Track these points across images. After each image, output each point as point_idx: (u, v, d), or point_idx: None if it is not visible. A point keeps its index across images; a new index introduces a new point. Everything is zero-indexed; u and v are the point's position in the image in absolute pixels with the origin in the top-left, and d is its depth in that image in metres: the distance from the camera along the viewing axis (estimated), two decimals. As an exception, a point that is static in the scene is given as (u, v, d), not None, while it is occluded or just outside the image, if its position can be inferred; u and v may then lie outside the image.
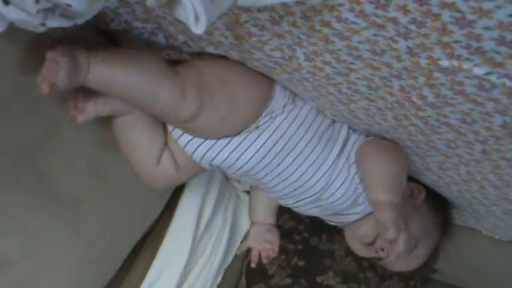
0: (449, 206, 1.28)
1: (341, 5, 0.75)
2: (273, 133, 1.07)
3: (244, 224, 1.53)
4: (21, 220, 0.99)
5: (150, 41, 1.04)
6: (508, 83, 0.75)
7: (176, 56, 1.09)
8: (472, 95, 0.81)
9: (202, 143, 1.08)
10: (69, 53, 0.92)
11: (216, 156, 1.09)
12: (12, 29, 0.71)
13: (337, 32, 0.81)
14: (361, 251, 1.20)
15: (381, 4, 0.72)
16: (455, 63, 0.76)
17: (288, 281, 1.53)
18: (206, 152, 1.08)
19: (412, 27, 0.73)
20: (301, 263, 1.52)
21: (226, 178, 1.51)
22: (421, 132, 0.97)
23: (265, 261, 1.26)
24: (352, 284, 1.53)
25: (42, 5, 0.67)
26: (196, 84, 1.01)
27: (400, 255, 1.05)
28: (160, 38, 1.03)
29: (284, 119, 1.08)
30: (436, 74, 0.80)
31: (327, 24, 0.80)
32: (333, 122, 1.13)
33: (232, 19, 0.89)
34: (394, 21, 0.74)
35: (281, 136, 1.07)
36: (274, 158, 1.08)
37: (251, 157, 1.08)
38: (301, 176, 1.10)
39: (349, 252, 1.48)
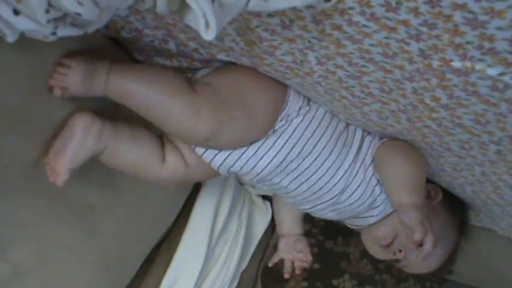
0: (465, 206, 1.27)
1: (352, 8, 0.75)
2: (290, 137, 1.07)
3: (258, 228, 1.53)
4: (36, 229, 1.00)
5: (161, 48, 1.05)
6: (522, 83, 0.74)
7: (187, 64, 1.09)
8: (486, 95, 0.80)
9: (219, 151, 1.08)
10: (84, 61, 0.94)
11: (235, 163, 1.09)
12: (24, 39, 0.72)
13: (348, 35, 0.81)
14: (378, 253, 1.19)
15: (392, 7, 0.72)
16: (468, 64, 0.75)
17: (304, 284, 1.53)
18: (224, 160, 1.08)
19: (424, 29, 0.73)
20: (316, 266, 1.51)
21: (240, 183, 1.51)
22: (434, 133, 0.97)
23: (298, 272, 1.27)
24: (368, 286, 1.53)
25: (52, 15, 0.67)
26: (213, 100, 1.00)
27: (427, 256, 1.04)
28: (171, 45, 1.03)
29: (300, 122, 1.08)
30: (448, 76, 0.79)
31: (338, 27, 0.80)
32: (348, 124, 1.13)
33: (242, 24, 0.89)
34: (406, 23, 0.74)
35: (298, 139, 1.07)
36: (291, 161, 1.08)
37: (269, 162, 1.08)
38: (319, 179, 1.09)
39: (364, 254, 1.48)
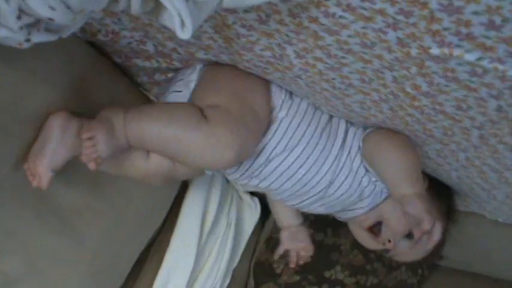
0: (451, 192, 1.27)
1: (327, -1, 0.75)
2: (275, 131, 1.07)
3: (248, 225, 1.53)
4: (24, 238, 0.99)
5: (139, 49, 1.04)
6: (500, 67, 0.74)
7: (166, 64, 1.08)
8: (465, 81, 0.80)
9: None
10: (103, 124, 0.94)
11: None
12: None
13: (326, 27, 0.81)
14: (367, 241, 1.20)
15: (367, -4, 0.72)
16: (446, 50, 0.75)
17: (296, 278, 1.53)
18: None
19: (400, 17, 0.73)
20: (308, 259, 1.52)
21: (227, 180, 1.51)
22: (417, 121, 0.97)
23: (301, 262, 1.28)
24: (360, 276, 1.53)
25: (25, 21, 0.66)
26: (229, 124, 0.98)
27: (436, 243, 1.05)
28: (149, 46, 1.03)
29: (285, 116, 1.08)
30: (427, 63, 0.79)
31: (315, 20, 0.80)
32: (331, 117, 1.13)
33: (219, 21, 0.88)
34: (382, 12, 0.73)
35: (284, 134, 1.07)
36: (278, 155, 1.07)
37: (257, 156, 1.07)
38: (305, 174, 1.09)
39: (355, 245, 1.48)
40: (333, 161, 1.09)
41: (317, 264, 1.51)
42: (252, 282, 1.57)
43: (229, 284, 1.47)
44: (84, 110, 1.01)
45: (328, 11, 0.77)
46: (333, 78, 0.94)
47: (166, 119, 0.97)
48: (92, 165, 0.92)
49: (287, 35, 0.86)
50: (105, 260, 1.14)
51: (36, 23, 0.69)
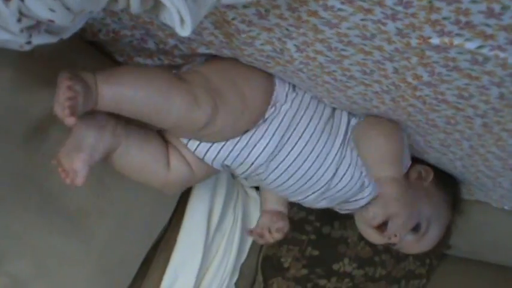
0: (456, 182, 1.27)
1: (326, -8, 0.75)
2: (280, 124, 1.07)
3: (254, 220, 1.52)
4: (31, 240, 1.00)
5: (140, 47, 1.04)
6: (501, 54, 0.74)
7: (168, 61, 1.08)
8: (466, 69, 0.80)
9: (212, 144, 1.07)
10: (78, 77, 0.88)
11: (228, 155, 1.08)
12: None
13: (325, 20, 0.81)
14: (373, 237, 1.19)
15: (366, -12, 0.72)
16: (446, 39, 0.75)
17: (305, 271, 1.53)
18: (218, 153, 1.07)
19: (399, 8, 0.73)
20: (315, 253, 1.52)
21: (233, 176, 1.51)
22: (420, 111, 0.97)
23: (264, 238, 1.21)
24: (368, 268, 1.53)
25: (25, 23, 0.67)
26: (206, 87, 0.99)
27: (390, 235, 1.07)
28: (150, 44, 1.03)
29: (289, 108, 1.08)
30: (428, 53, 0.79)
31: (314, 13, 0.80)
32: (334, 110, 1.13)
33: (219, 17, 0.88)
34: (381, 3, 0.73)
35: (288, 126, 1.07)
36: (283, 148, 1.07)
37: (262, 151, 1.07)
38: (309, 168, 1.09)
39: (362, 237, 1.48)
40: (336, 154, 1.09)
41: (325, 257, 1.51)
42: (260, 277, 1.57)
43: (237, 280, 1.48)
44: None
45: (327, 4, 0.77)
46: (334, 71, 0.94)
47: (142, 78, 0.95)
48: (71, 120, 0.84)
49: (287, 29, 0.87)
50: (112, 259, 1.15)
51: (37, 25, 0.69)
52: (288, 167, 1.09)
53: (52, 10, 0.66)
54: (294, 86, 1.09)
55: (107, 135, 0.96)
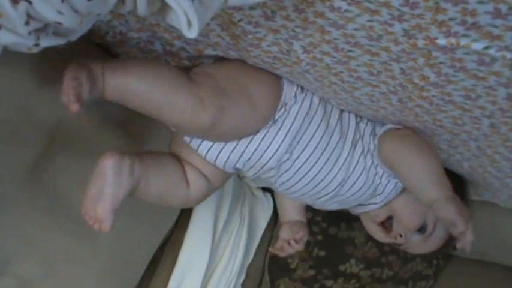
0: (464, 183, 1.27)
1: (332, -6, 0.75)
2: (291, 125, 1.06)
3: (261, 220, 1.53)
4: (38, 241, 1.00)
5: (147, 49, 1.04)
6: (508, 55, 0.74)
7: (175, 63, 1.09)
8: (473, 70, 0.80)
9: (223, 148, 1.07)
10: (85, 67, 0.90)
11: (239, 158, 1.08)
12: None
13: (332, 21, 0.81)
14: (380, 236, 1.20)
15: (372, -11, 0.72)
16: (453, 40, 0.75)
17: (311, 272, 1.53)
18: (229, 156, 1.07)
19: (406, 9, 0.73)
20: (322, 253, 1.52)
21: (240, 177, 1.51)
22: (427, 112, 0.97)
23: (282, 253, 1.22)
24: (375, 268, 1.53)
25: (33, 26, 0.67)
26: (213, 89, 0.99)
27: (469, 243, 1.01)
28: (157, 46, 1.03)
29: (299, 110, 1.07)
30: (435, 54, 0.79)
31: (320, 14, 0.80)
32: (341, 112, 1.13)
33: (225, 19, 0.89)
34: (387, 5, 0.73)
35: (300, 126, 1.07)
36: (294, 150, 1.07)
37: (275, 152, 1.07)
38: (319, 171, 1.09)
39: (369, 238, 1.48)
40: (346, 159, 1.09)
41: (332, 258, 1.51)
42: (267, 278, 1.57)
43: (244, 281, 1.48)
44: (93, 111, 1.02)
45: (334, 5, 0.77)
46: (341, 72, 0.94)
47: (150, 74, 0.95)
48: (75, 107, 0.86)
49: (293, 31, 0.87)
50: (120, 260, 1.15)
51: (44, 28, 0.69)
52: (299, 169, 1.09)
53: (60, 12, 0.66)
54: (302, 87, 1.09)
55: (125, 180, 0.95)
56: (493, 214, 1.35)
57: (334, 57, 0.90)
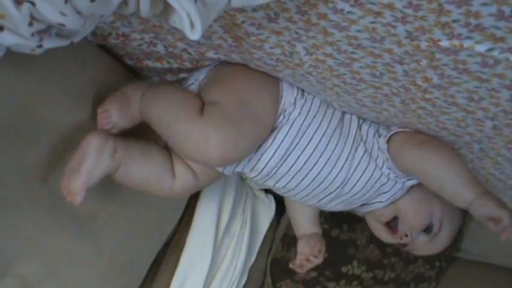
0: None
1: (335, -5, 0.75)
2: (288, 131, 1.07)
3: (263, 222, 1.53)
4: (40, 242, 1.00)
5: (150, 51, 1.04)
6: (511, 57, 0.74)
7: (177, 65, 1.09)
8: (477, 72, 0.80)
9: None
10: (117, 98, 1.04)
11: (238, 163, 1.09)
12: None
13: (334, 23, 0.81)
14: (385, 236, 1.19)
15: (375, -9, 0.72)
16: (456, 42, 0.75)
17: (313, 274, 1.53)
18: None
19: (409, 11, 0.73)
20: (324, 255, 1.51)
21: (242, 178, 1.51)
22: (429, 114, 0.97)
23: (301, 269, 1.25)
24: (377, 270, 1.53)
25: (36, 27, 0.67)
26: (224, 123, 0.99)
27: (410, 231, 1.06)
28: (160, 48, 1.03)
29: (298, 115, 1.08)
30: (438, 55, 0.79)
31: (323, 16, 0.80)
32: (343, 114, 1.13)
33: (228, 21, 0.89)
34: (390, 7, 0.73)
35: (297, 133, 1.07)
36: (291, 153, 1.07)
37: (271, 157, 1.08)
38: (319, 172, 1.09)
39: (371, 239, 1.48)
40: (346, 159, 1.09)
41: (334, 260, 1.51)
42: (269, 279, 1.57)
43: (246, 282, 1.48)
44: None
45: (337, 7, 0.77)
46: (344, 74, 0.94)
47: (167, 105, 1.02)
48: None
49: (296, 32, 0.87)
50: (122, 261, 1.15)
51: (48, 29, 0.70)
52: (298, 172, 1.09)
53: (63, 14, 0.66)
54: (302, 92, 1.09)
55: (105, 159, 1.00)
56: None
57: (337, 59, 0.90)
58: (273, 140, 1.07)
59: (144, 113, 1.04)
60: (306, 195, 1.14)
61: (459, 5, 0.69)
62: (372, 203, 1.16)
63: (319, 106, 1.10)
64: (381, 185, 1.11)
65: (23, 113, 0.92)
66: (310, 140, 1.07)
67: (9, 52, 0.72)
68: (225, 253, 1.41)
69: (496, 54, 0.75)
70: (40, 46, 0.71)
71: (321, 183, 1.10)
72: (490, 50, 0.74)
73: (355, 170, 1.10)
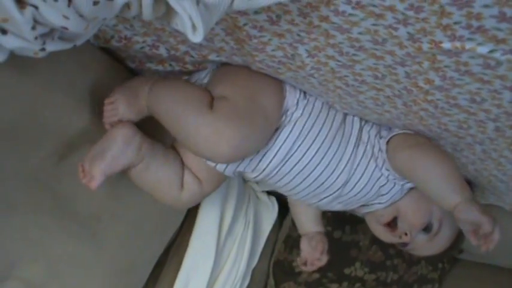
0: (471, 186, 1.26)
1: (337, -2, 0.75)
2: (291, 130, 1.07)
3: (266, 224, 1.53)
4: (44, 244, 1.00)
5: (152, 54, 1.05)
6: (513, 58, 0.74)
7: (179, 67, 1.09)
8: (479, 74, 0.80)
9: None
10: (125, 91, 1.04)
11: (239, 164, 1.09)
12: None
13: (336, 25, 0.81)
14: (384, 235, 1.19)
15: (377, -7, 0.72)
16: (458, 44, 0.75)
17: (316, 276, 1.53)
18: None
19: (410, 13, 0.73)
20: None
21: (244, 180, 1.51)
22: (431, 116, 0.97)
23: (306, 268, 1.25)
24: (380, 272, 1.53)
25: (40, 31, 0.67)
26: (234, 118, 0.99)
27: (497, 242, 1.00)
28: (162, 50, 1.03)
29: (300, 116, 1.08)
30: (440, 57, 0.79)
31: (325, 18, 0.80)
32: (345, 116, 1.13)
33: (230, 23, 0.89)
34: (392, 9, 0.74)
35: (299, 133, 1.07)
36: (294, 154, 1.08)
37: (273, 158, 1.08)
38: (321, 173, 1.09)
39: (374, 241, 1.48)
40: (348, 160, 1.09)
41: (336, 262, 1.51)
42: (271, 281, 1.57)
43: (248, 284, 1.48)
44: (99, 116, 1.03)
45: (338, 9, 0.77)
46: (346, 76, 0.94)
47: (176, 100, 1.02)
48: (107, 126, 1.02)
49: (298, 35, 0.87)
50: (125, 263, 1.15)
51: (51, 32, 0.70)
52: (299, 172, 1.09)
53: (66, 17, 0.66)
54: (305, 93, 1.10)
55: (131, 151, 1.02)
56: (498, 218, 1.34)
57: (339, 61, 0.90)
58: (275, 140, 1.07)
59: (153, 107, 1.03)
60: (307, 195, 1.14)
61: (460, 7, 0.69)
62: (372, 204, 1.16)
63: (322, 107, 1.10)
64: (381, 186, 1.11)
65: (26, 116, 0.93)
66: (312, 142, 1.07)
67: (12, 55, 0.72)
68: (228, 255, 1.41)
69: (498, 56, 0.75)
70: (43, 49, 0.71)
71: (322, 184, 1.10)
72: (492, 51, 0.74)
73: (355, 170, 1.10)
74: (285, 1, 0.74)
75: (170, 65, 1.09)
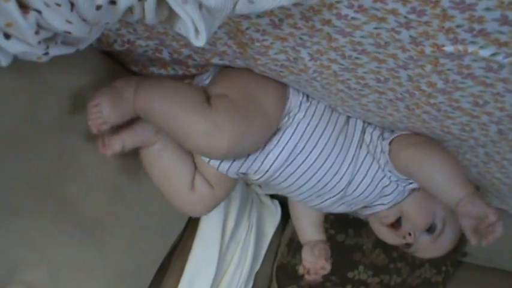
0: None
1: (339, 1, 0.75)
2: (293, 133, 1.07)
3: (269, 227, 1.53)
4: (46, 248, 1.00)
5: (155, 58, 1.05)
6: (516, 61, 0.74)
7: (182, 71, 1.09)
8: (481, 77, 0.80)
9: None
10: (109, 93, 1.00)
11: (242, 164, 1.09)
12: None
13: (339, 29, 0.81)
14: (388, 236, 1.19)
15: (379, -3, 0.72)
16: (460, 47, 0.75)
17: (320, 279, 1.53)
18: (232, 163, 1.09)
19: (413, 16, 0.73)
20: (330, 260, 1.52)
21: (247, 184, 1.51)
22: (434, 119, 0.97)
23: (309, 277, 1.25)
24: (383, 275, 1.53)
25: (43, 35, 0.68)
26: (232, 114, 0.99)
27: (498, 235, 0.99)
28: (165, 54, 1.03)
29: (303, 118, 1.08)
30: (442, 60, 0.79)
31: (328, 22, 0.80)
32: (348, 118, 1.13)
33: (233, 27, 0.89)
34: (394, 12, 0.74)
35: (302, 135, 1.07)
36: (296, 158, 1.08)
37: (275, 159, 1.08)
38: (324, 174, 1.09)
39: (377, 244, 1.48)
40: (351, 162, 1.09)
41: (340, 265, 1.51)
42: (275, 285, 1.57)
43: (251, 288, 1.48)
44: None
45: (341, 13, 0.77)
46: (348, 79, 0.94)
47: (171, 97, 1.01)
48: (93, 130, 0.99)
49: (301, 38, 0.87)
50: (128, 267, 1.15)
51: (54, 37, 0.70)
52: (303, 174, 1.09)
53: (69, 22, 0.67)
54: (307, 96, 1.10)
55: (148, 131, 1.06)
56: (502, 220, 1.34)
57: (341, 65, 0.90)
58: (278, 142, 1.07)
59: (142, 108, 1.01)
60: (310, 196, 1.14)
61: (463, 10, 0.69)
62: (375, 205, 1.16)
63: (324, 109, 1.10)
64: (383, 187, 1.11)
65: (30, 122, 0.93)
66: (315, 143, 1.07)
67: (14, 59, 0.73)
68: (231, 259, 1.41)
69: (501, 59, 0.75)
70: (46, 54, 0.71)
71: (325, 185, 1.10)
72: (494, 54, 0.75)
73: (358, 171, 1.10)
74: (287, 5, 0.74)
75: (173, 68, 1.09)
